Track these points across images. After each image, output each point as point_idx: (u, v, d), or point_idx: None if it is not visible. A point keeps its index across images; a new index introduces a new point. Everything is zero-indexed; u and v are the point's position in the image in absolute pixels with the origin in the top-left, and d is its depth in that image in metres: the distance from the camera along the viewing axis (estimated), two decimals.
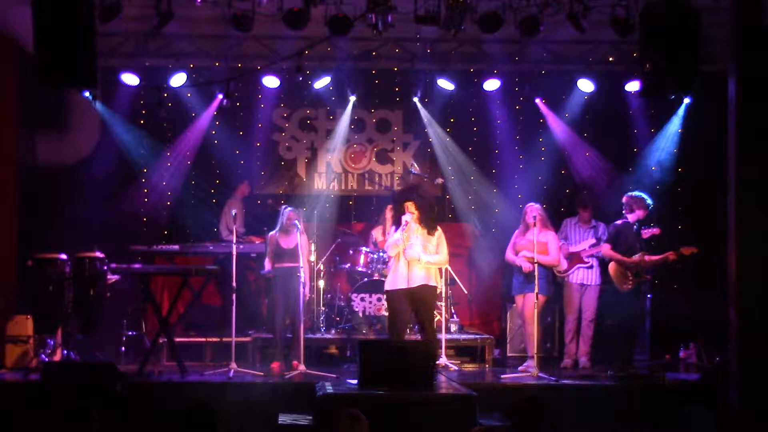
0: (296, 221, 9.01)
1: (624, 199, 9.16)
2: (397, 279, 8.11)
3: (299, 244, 8.90)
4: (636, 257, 8.95)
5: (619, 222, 9.16)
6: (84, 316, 8.60)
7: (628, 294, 9.03)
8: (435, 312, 8.78)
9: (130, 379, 8.06)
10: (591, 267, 9.57)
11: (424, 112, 11.20)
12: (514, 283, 9.30)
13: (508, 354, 10.08)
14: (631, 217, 9.08)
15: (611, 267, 9.15)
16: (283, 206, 9.28)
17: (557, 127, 11.12)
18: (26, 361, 8.74)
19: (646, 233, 9.38)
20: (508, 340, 10.21)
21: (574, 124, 11.15)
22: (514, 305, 9.67)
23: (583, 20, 8.42)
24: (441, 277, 9.09)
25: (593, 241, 9.63)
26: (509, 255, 9.31)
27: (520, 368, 8.99)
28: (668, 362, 9.82)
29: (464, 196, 11.32)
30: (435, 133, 11.28)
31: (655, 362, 9.79)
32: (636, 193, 9.18)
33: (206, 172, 11.21)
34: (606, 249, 9.15)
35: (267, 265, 9.12)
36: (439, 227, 8.27)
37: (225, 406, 7.64)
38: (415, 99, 11.09)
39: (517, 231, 9.32)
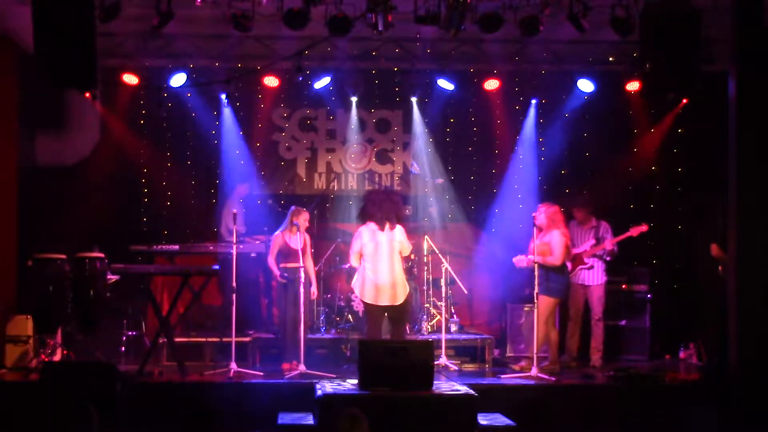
0: (296, 222, 9.00)
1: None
2: (380, 294, 8.56)
3: (307, 244, 8.94)
4: None
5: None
6: (84, 316, 8.59)
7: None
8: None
9: (130, 379, 8.06)
10: (591, 267, 9.56)
11: (417, 115, 11.16)
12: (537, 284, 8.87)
13: (508, 354, 10.08)
14: None
15: (720, 267, 9.18)
16: (294, 207, 9.19)
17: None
18: (26, 361, 8.75)
19: (635, 231, 9.44)
20: (508, 340, 10.20)
21: (574, 124, 11.14)
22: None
23: (583, 20, 8.42)
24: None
25: (593, 241, 9.63)
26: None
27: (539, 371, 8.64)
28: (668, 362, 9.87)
29: (464, 196, 11.32)
30: (422, 134, 11.25)
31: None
32: None
33: (206, 172, 11.21)
34: (714, 249, 9.20)
35: (272, 265, 9.07)
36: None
37: (225, 406, 7.67)
38: (413, 99, 11.06)
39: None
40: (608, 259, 9.68)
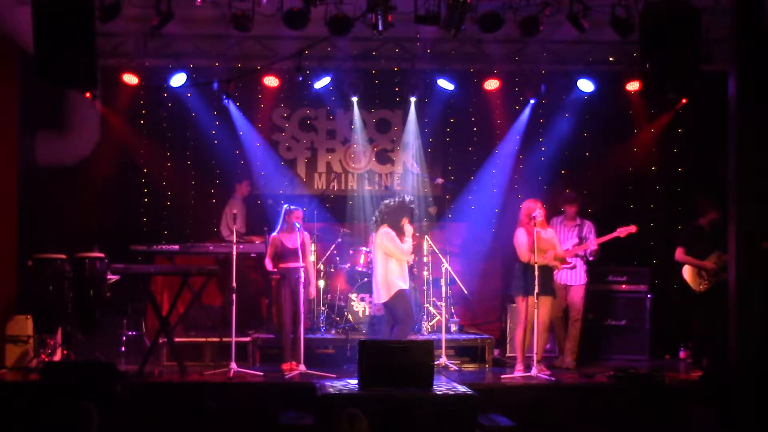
0: (294, 222, 9.00)
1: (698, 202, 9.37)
2: (373, 293, 8.96)
3: (303, 243, 8.95)
4: (712, 258, 9.06)
5: (688, 225, 9.40)
6: (84, 316, 8.60)
7: (702, 296, 9.17)
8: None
9: (130, 379, 8.07)
10: (574, 267, 9.52)
11: (413, 114, 11.15)
12: (526, 284, 8.73)
13: (508, 354, 10.07)
14: (702, 220, 9.23)
15: (684, 270, 9.25)
16: (287, 205, 9.23)
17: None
18: (26, 361, 8.75)
19: (623, 231, 9.39)
20: (508, 340, 10.20)
21: (574, 124, 11.14)
22: (515, 305, 9.30)
23: (583, 20, 8.42)
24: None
25: (576, 240, 9.59)
26: (529, 255, 8.69)
27: (539, 372, 8.57)
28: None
29: (464, 196, 11.32)
30: (419, 134, 11.25)
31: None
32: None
33: (206, 172, 11.22)
34: (678, 253, 9.26)
35: (268, 265, 9.09)
36: None
37: (225, 406, 7.67)
38: (412, 99, 11.05)
39: (523, 230, 8.85)
40: (591, 259, 9.63)
